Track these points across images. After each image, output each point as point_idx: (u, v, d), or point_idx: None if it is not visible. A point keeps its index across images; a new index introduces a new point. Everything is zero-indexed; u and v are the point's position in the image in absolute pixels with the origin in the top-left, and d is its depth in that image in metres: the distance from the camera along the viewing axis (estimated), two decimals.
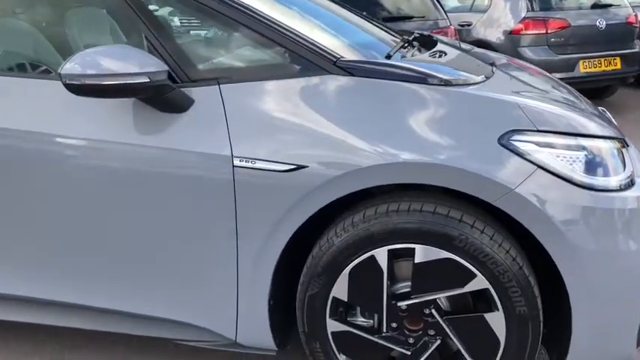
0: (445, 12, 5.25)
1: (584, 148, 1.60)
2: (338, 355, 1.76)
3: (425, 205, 1.62)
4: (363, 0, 4.92)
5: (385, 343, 1.71)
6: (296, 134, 1.64)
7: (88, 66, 1.58)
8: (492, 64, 2.11)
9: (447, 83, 1.69)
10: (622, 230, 1.58)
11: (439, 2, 5.31)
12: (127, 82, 1.59)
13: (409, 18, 5.02)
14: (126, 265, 1.83)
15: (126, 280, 1.85)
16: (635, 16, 6.41)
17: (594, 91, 6.42)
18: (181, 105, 1.70)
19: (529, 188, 1.52)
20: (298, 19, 2.02)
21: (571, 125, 1.64)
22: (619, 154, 1.68)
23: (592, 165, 1.60)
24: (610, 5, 6.23)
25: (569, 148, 1.59)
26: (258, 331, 1.81)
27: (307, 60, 1.70)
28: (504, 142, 1.55)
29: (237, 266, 1.74)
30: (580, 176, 1.56)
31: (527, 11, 5.78)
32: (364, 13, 2.70)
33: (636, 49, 6.39)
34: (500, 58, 2.53)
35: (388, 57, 1.92)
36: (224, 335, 1.84)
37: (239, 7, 1.76)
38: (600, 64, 5.85)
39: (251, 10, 1.76)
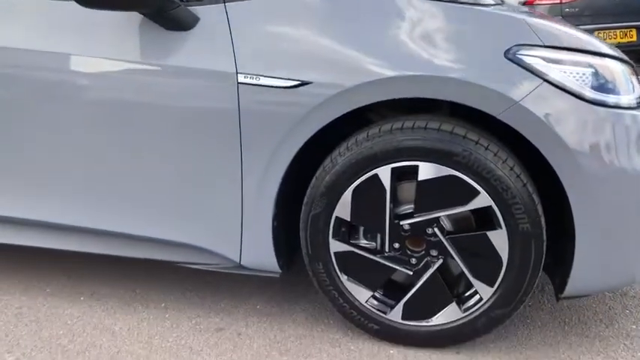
0: None
1: (592, 66, 1.58)
2: (340, 276, 1.77)
3: (430, 122, 1.61)
4: None
5: (387, 263, 1.72)
6: (300, 51, 1.64)
7: None
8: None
9: (455, 0, 1.67)
10: (633, 148, 1.56)
11: None
12: None
13: None
14: (132, 188, 1.85)
15: (132, 203, 1.87)
16: None
17: None
18: (187, 22, 1.71)
19: (535, 102, 1.51)
20: None
21: (580, 43, 1.62)
22: (629, 75, 1.66)
23: (602, 82, 1.58)
24: None
25: (577, 64, 1.57)
26: (262, 253, 1.82)
27: None
28: (510, 55, 1.54)
29: (241, 186, 1.75)
30: (590, 92, 1.54)
31: None
32: None
33: None
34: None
35: None
36: (228, 257, 1.85)
37: None
38: (616, 35, 5.79)
39: None
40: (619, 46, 5.83)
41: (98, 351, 1.81)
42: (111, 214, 1.90)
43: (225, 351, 1.80)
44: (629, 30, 5.80)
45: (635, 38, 5.86)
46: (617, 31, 5.78)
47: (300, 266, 1.88)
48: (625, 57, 1.74)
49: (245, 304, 2.07)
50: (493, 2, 1.78)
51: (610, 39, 5.76)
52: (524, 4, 5.82)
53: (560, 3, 5.66)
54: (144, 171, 1.82)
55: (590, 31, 5.60)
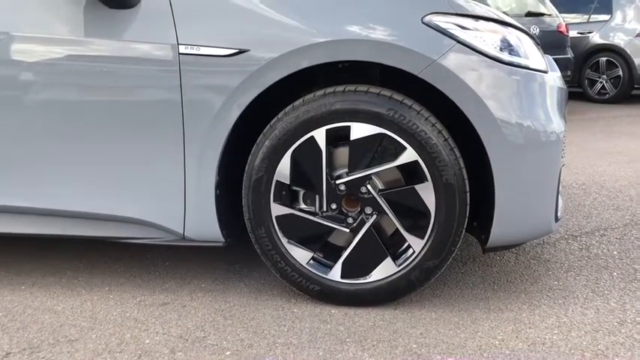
0: None
1: (501, 33, 1.78)
2: (282, 239, 1.85)
3: (359, 87, 1.75)
4: None
5: (326, 223, 1.81)
6: (236, 20, 1.77)
7: None
8: None
9: None
10: (540, 103, 1.76)
11: None
12: None
13: None
14: (72, 162, 1.89)
15: (72, 178, 1.91)
16: (566, 25, 6.90)
17: None
18: (129, 1, 1.81)
19: (450, 60, 1.69)
20: None
21: (490, 13, 1.83)
22: (537, 47, 1.87)
23: (512, 46, 1.78)
24: (542, 14, 6.69)
25: (491, 31, 1.76)
26: (205, 224, 1.89)
27: None
28: (427, 21, 1.71)
29: (183, 156, 1.83)
30: (499, 53, 1.73)
31: None
32: None
33: (568, 56, 6.85)
34: None
35: None
36: (172, 230, 1.90)
37: None
38: None
39: None
40: None
41: (40, 326, 1.79)
42: (51, 192, 1.93)
43: (170, 320, 1.82)
44: None
45: None
46: None
47: (244, 236, 1.95)
48: (530, 32, 1.96)
49: (190, 284, 2.10)
50: None
51: None
52: None
53: None
54: (86, 143, 1.87)
55: None
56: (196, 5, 1.80)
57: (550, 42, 6.40)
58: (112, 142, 1.86)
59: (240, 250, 2.25)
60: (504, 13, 6.70)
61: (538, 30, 6.44)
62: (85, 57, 1.83)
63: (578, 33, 7.66)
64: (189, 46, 1.76)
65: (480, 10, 1.83)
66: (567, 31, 6.89)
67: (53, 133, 1.88)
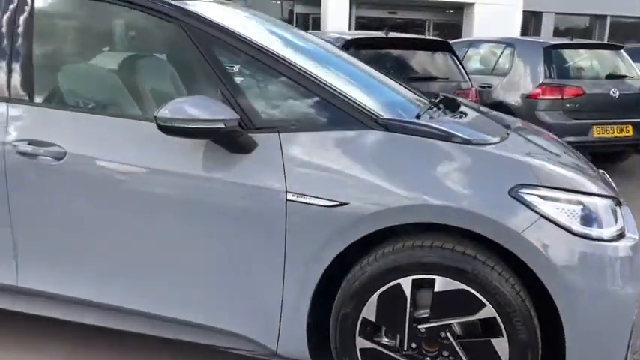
0: (467, 74, 5.64)
1: (581, 203, 1.92)
2: None
3: (445, 243, 1.93)
4: (391, 61, 5.38)
5: None
6: (341, 176, 1.98)
7: (176, 112, 1.95)
8: (507, 127, 2.46)
9: (467, 142, 2.02)
10: (612, 273, 1.88)
11: (462, 64, 5.71)
12: (207, 126, 1.95)
13: (434, 79, 5.42)
14: (187, 276, 2.16)
15: (185, 291, 2.18)
16: None
17: (607, 155, 6.74)
18: (247, 147, 2.05)
19: (533, 234, 1.84)
20: (344, 79, 2.39)
21: (571, 183, 1.97)
22: (613, 210, 1.99)
23: (588, 218, 1.91)
24: (624, 76, 6.60)
25: (569, 202, 1.90)
26: (296, 344, 2.11)
27: (352, 116, 2.05)
28: (513, 193, 1.87)
29: (282, 286, 2.06)
30: (577, 227, 1.87)
31: (545, 77, 6.16)
32: (390, 71, 3.07)
33: None
34: (516, 122, 2.89)
35: (418, 117, 2.27)
36: (266, 346, 2.14)
37: (298, 69, 2.13)
38: (613, 130, 6.18)
39: (307, 73, 2.13)
40: (616, 140, 6.23)
41: None
42: (166, 299, 2.20)
43: None
44: (625, 126, 6.20)
45: (631, 133, 6.25)
46: (615, 126, 6.18)
47: (330, 357, 2.15)
48: (611, 192, 2.08)
49: None
50: (499, 139, 2.13)
51: (608, 133, 6.15)
52: (528, 97, 6.26)
53: (562, 99, 6.08)
54: (200, 264, 2.13)
55: (589, 126, 6.05)
56: (306, 161, 2.02)
57: (630, 104, 6.33)
58: (222, 265, 2.11)
59: None
60: (583, 70, 6.68)
61: (618, 92, 6.36)
62: (202, 190, 2.09)
63: None
64: (295, 194, 1.99)
65: (564, 177, 1.97)
66: None
67: (173, 257, 2.15)
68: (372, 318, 2.00)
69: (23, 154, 2.23)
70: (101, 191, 2.18)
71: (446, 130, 2.06)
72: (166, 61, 2.57)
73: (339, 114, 2.07)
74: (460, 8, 18.05)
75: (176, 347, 2.43)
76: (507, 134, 2.28)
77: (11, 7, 2.35)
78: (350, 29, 17.18)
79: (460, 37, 18.17)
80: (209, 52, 2.16)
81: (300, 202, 1.98)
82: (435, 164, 1.98)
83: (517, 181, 1.90)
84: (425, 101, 2.74)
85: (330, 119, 2.09)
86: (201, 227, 2.10)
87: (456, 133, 2.05)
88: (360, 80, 2.60)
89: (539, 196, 1.88)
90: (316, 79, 2.12)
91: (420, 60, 5.55)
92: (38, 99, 2.34)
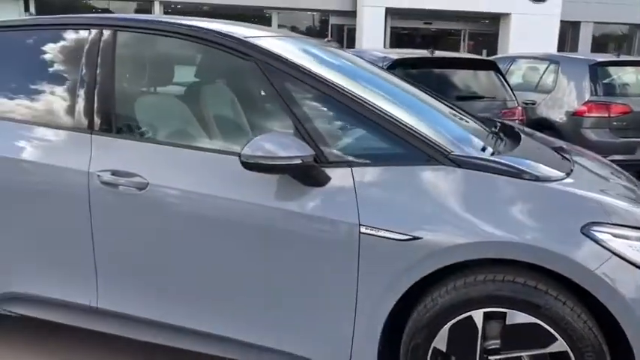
0: (513, 92, 5.64)
1: None
2: None
3: (517, 277, 1.98)
4: (436, 79, 5.42)
5: None
6: (414, 211, 2.05)
7: (257, 149, 2.05)
8: (564, 154, 2.50)
9: (537, 179, 2.07)
10: None
11: (508, 83, 5.72)
12: (285, 163, 2.05)
13: (480, 97, 5.44)
14: (259, 302, 2.26)
15: (256, 315, 2.28)
16: None
17: None
18: (321, 181, 2.14)
19: (605, 270, 1.88)
20: (411, 113, 2.45)
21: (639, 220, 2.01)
22: None
23: None
24: None
25: (638, 239, 1.94)
26: None
27: (424, 152, 2.12)
28: (585, 231, 1.92)
29: (355, 315, 2.13)
30: None
31: (591, 95, 6.13)
32: (444, 100, 3.11)
33: None
34: (559, 143, 2.93)
35: (484, 149, 2.33)
36: None
37: (369, 105, 2.21)
38: None
39: (378, 109, 2.21)
40: None
41: None
42: (226, 321, 2.31)
43: None
44: None
45: None
46: None
47: None
48: None
49: None
50: (565, 174, 2.18)
51: None
52: (573, 114, 6.23)
53: (609, 117, 6.04)
54: (271, 286, 2.23)
55: (636, 144, 5.98)
56: (377, 194, 2.10)
57: None
58: (295, 292, 2.20)
59: None
60: (629, 87, 6.59)
61: None
62: (277, 221, 2.17)
63: None
64: (369, 227, 2.06)
65: (634, 216, 2.00)
66: None
67: (246, 283, 2.25)
68: (443, 348, 2.06)
69: (106, 183, 2.36)
70: (181, 219, 2.29)
71: (515, 166, 2.11)
72: (242, 96, 2.67)
73: (411, 149, 2.14)
74: (496, 18, 17.93)
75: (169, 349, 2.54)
76: (572, 169, 2.32)
77: (95, 43, 2.50)
78: (385, 40, 17.26)
79: (496, 46, 18.09)
80: (283, 89, 2.26)
81: (373, 235, 2.06)
82: (507, 201, 2.03)
83: (589, 218, 1.94)
84: (484, 129, 2.80)
85: (401, 154, 2.16)
86: (275, 255, 2.19)
87: (526, 170, 2.10)
88: (425, 112, 2.67)
89: (610, 233, 1.92)
90: (387, 114, 2.20)
91: (465, 78, 5.59)
92: (120, 131, 2.47)
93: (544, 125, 6.31)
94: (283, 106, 2.25)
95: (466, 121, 2.84)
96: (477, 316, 2.01)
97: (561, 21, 17.66)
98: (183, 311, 2.39)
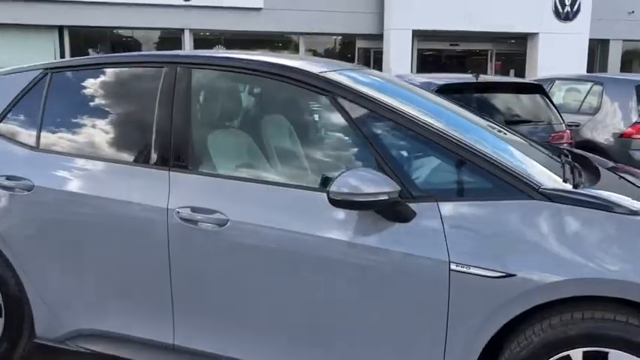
0: (561, 116, 5.56)
1: None
2: None
3: (617, 315, 1.91)
4: (482, 104, 5.37)
5: None
6: (506, 248, 2.00)
7: (343, 186, 2.03)
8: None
9: (629, 212, 2.01)
10: None
11: (555, 106, 5.64)
12: (371, 199, 2.03)
13: (527, 122, 5.37)
14: (343, 339, 2.22)
15: (340, 351, 2.23)
16: None
17: None
18: (406, 216, 2.11)
19: None
20: (493, 145, 2.41)
21: None
22: None
23: None
24: None
25: None
26: None
27: (514, 186, 2.08)
28: None
29: (444, 353, 2.08)
30: None
31: (639, 116, 6.03)
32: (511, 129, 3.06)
33: None
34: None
35: (565, 181, 2.27)
36: None
37: (453, 139, 2.19)
38: None
39: (464, 144, 2.18)
40: None
41: None
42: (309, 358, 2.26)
43: None
44: None
45: None
46: None
47: None
48: None
49: None
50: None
51: None
52: (620, 136, 6.13)
53: None
54: (355, 322, 2.19)
55: None
56: (467, 230, 2.06)
57: None
58: (383, 328, 2.15)
59: None
60: None
61: None
62: (364, 258, 2.14)
63: None
64: (459, 265, 2.02)
65: None
66: None
67: (330, 320, 2.22)
68: None
69: (186, 220, 2.36)
70: (263, 256, 2.27)
71: (607, 199, 2.06)
72: (321, 132, 2.68)
73: (499, 183, 2.11)
74: (524, 38, 17.85)
75: None
76: None
77: (170, 82, 2.52)
78: (412, 63, 17.27)
79: (524, 66, 17.98)
80: (364, 125, 2.25)
81: (464, 273, 2.02)
82: (603, 236, 1.98)
83: None
84: (557, 158, 2.75)
85: (489, 189, 2.12)
86: (361, 292, 2.16)
87: (618, 203, 2.04)
88: (503, 143, 2.63)
89: None
90: (472, 148, 2.17)
91: (511, 102, 5.53)
92: (197, 167, 2.48)
93: (589, 148, 6.21)
94: (364, 141, 2.24)
95: (541, 151, 2.79)
96: (576, 355, 1.94)
97: (590, 39, 17.52)
98: (263, 350, 2.36)
